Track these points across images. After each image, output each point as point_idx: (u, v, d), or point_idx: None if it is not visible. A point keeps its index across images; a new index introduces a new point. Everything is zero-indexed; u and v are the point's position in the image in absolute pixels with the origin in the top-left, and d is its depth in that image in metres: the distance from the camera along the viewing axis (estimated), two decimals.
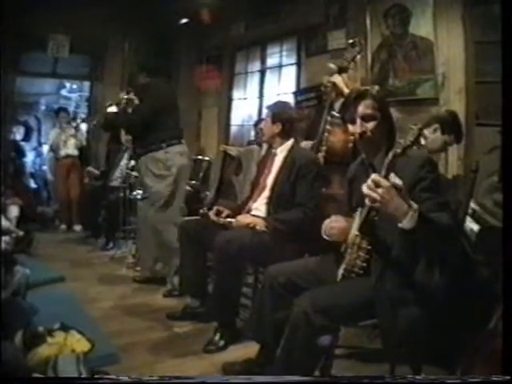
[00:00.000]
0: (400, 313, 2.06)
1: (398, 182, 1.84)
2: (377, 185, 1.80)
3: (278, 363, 2.21)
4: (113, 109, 4.32)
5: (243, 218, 3.23)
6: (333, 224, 2.39)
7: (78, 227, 6.53)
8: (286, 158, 3.31)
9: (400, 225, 1.87)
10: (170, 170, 4.07)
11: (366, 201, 1.88)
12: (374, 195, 1.81)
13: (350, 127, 2.28)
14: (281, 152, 3.36)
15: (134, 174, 5.25)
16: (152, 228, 4.19)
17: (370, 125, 2.21)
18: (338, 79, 3.55)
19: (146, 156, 4.10)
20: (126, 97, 4.24)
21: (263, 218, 3.20)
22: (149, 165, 4.10)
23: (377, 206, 1.89)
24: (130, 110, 4.17)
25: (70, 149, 6.57)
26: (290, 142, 3.37)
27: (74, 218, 6.58)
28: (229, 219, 3.36)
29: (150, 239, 4.28)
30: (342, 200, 2.81)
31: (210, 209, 3.71)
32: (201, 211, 4.50)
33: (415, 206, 1.86)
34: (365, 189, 1.84)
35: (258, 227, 3.13)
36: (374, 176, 1.82)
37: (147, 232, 4.30)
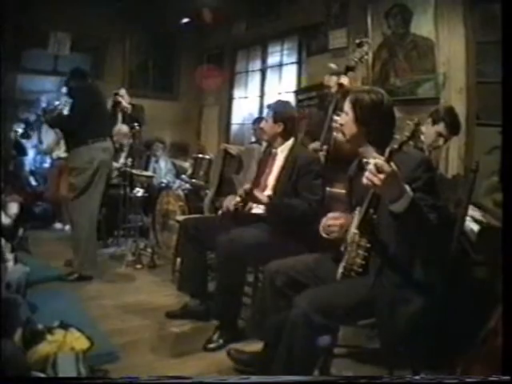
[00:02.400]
0: (398, 311, 2.06)
1: (395, 168, 1.83)
2: (379, 170, 1.78)
3: (278, 361, 2.21)
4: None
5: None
6: (330, 222, 2.40)
7: (68, 227, 6.46)
8: (287, 158, 3.32)
9: (391, 207, 1.88)
10: (91, 163, 4.26)
11: (364, 179, 1.85)
12: (375, 180, 1.79)
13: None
14: (281, 152, 3.37)
15: (134, 171, 5.25)
16: (71, 219, 4.50)
17: (345, 119, 2.33)
18: (345, 80, 3.56)
19: (73, 151, 4.34)
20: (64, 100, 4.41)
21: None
22: (73, 159, 4.35)
23: (376, 191, 1.90)
24: (65, 112, 4.34)
25: (62, 150, 6.54)
26: (291, 142, 3.38)
27: (66, 218, 6.50)
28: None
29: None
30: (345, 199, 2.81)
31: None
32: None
33: (410, 192, 1.87)
34: (367, 173, 1.82)
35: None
36: (376, 161, 1.80)
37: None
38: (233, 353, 2.84)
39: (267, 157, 3.51)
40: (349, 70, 3.61)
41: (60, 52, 7.04)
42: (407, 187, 1.87)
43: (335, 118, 3.44)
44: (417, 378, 2.15)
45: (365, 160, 2.29)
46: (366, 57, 3.80)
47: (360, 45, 3.68)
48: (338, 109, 3.51)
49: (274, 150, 3.43)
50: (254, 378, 2.05)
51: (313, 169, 3.22)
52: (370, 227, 2.14)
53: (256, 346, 2.77)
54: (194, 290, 3.53)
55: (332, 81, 4.05)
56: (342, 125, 2.36)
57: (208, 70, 7.95)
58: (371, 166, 1.80)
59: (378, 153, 2.07)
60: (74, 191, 4.30)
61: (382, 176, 1.78)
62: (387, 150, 1.83)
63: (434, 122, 3.38)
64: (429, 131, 3.37)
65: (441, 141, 3.46)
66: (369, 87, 2.62)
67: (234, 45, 7.67)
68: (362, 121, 2.26)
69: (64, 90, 4.51)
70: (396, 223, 1.94)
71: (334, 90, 3.99)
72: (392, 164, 1.80)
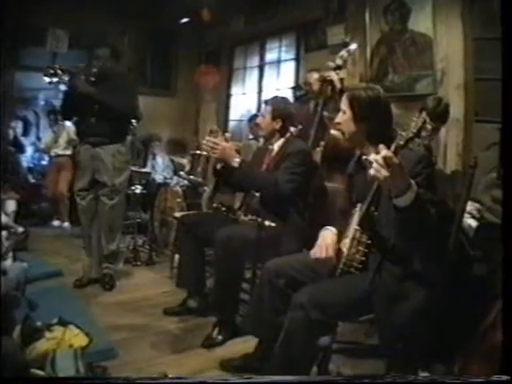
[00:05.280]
0: (397, 307, 2.06)
1: (401, 160, 1.81)
2: (387, 162, 1.76)
3: (275, 358, 2.22)
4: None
5: (224, 148, 3.15)
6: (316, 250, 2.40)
7: (66, 224, 6.47)
8: (280, 150, 3.33)
9: (395, 201, 1.87)
10: (127, 164, 4.12)
11: (371, 171, 1.82)
12: (383, 172, 1.77)
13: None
14: (277, 147, 3.37)
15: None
16: (107, 224, 4.07)
17: (343, 117, 2.32)
18: (334, 77, 3.55)
19: (106, 147, 3.95)
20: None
21: (240, 158, 3.17)
22: (109, 157, 3.95)
23: (382, 184, 1.88)
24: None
25: (61, 148, 6.55)
26: (286, 136, 3.37)
27: (65, 216, 6.51)
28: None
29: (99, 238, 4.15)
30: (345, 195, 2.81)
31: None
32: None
33: (415, 186, 1.85)
34: (374, 165, 1.79)
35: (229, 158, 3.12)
36: (385, 152, 1.77)
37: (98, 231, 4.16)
38: (225, 364, 2.81)
39: (263, 152, 3.50)
40: (337, 68, 3.61)
41: (58, 49, 7.02)
42: (412, 181, 1.87)
43: (327, 114, 3.44)
44: (419, 377, 2.15)
45: (364, 157, 2.29)
46: (352, 56, 3.80)
47: (346, 44, 3.68)
48: (328, 106, 3.51)
49: (270, 147, 3.41)
50: (256, 379, 2.05)
51: (298, 157, 3.20)
52: (371, 223, 2.14)
53: (250, 345, 2.78)
54: (192, 287, 3.53)
55: (312, 78, 4.06)
56: (339, 123, 2.35)
57: (206, 66, 7.94)
58: (379, 158, 1.77)
59: (376, 150, 2.06)
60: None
61: (390, 168, 1.77)
62: (393, 146, 1.83)
63: (420, 113, 3.39)
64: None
65: (426, 130, 3.46)
66: (365, 84, 2.62)
67: (231, 41, 7.66)
68: (360, 118, 2.25)
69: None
70: (399, 218, 1.93)
71: (315, 87, 3.99)
72: (399, 157, 1.79)
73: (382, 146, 1.80)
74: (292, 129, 3.54)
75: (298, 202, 3.18)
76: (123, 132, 4.08)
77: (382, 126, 2.22)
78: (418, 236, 2.01)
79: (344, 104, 2.31)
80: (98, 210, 4.08)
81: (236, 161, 3.09)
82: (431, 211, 1.92)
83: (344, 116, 2.31)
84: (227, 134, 3.33)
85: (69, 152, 6.48)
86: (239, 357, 2.81)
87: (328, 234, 2.41)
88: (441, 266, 2.28)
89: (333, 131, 3.15)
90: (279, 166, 3.23)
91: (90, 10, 6.68)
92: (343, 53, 3.64)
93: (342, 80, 3.56)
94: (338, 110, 2.40)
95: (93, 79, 3.89)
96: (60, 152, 6.54)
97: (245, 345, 2.90)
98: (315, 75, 4.16)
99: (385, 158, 1.75)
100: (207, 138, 3.16)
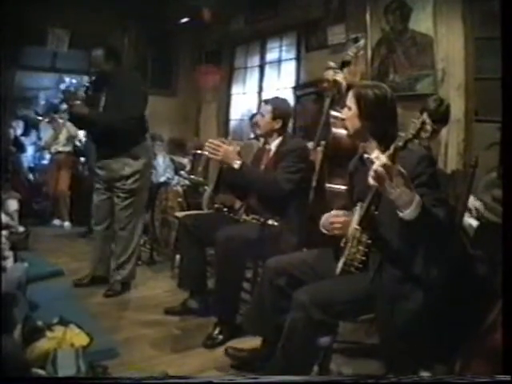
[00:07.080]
0: (397, 307, 2.06)
1: (403, 170, 1.82)
2: (386, 170, 1.76)
3: (277, 357, 2.21)
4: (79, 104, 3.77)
5: (226, 151, 3.18)
6: (332, 219, 2.38)
7: (66, 223, 6.49)
8: (277, 149, 3.37)
9: (401, 214, 1.87)
10: (139, 163, 3.88)
11: (371, 180, 1.83)
12: (385, 179, 1.77)
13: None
14: (274, 146, 3.41)
15: None
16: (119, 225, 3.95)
17: (348, 113, 2.33)
18: (340, 77, 3.55)
19: (117, 159, 3.81)
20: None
21: (241, 160, 3.19)
22: (119, 164, 3.81)
23: (382, 193, 1.88)
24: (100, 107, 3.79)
25: (60, 145, 6.56)
26: (283, 136, 3.42)
27: (65, 214, 6.53)
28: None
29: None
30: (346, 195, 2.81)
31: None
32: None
33: (418, 197, 1.85)
34: (372, 173, 1.80)
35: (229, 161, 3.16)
36: (383, 160, 1.77)
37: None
38: (231, 351, 2.83)
39: (262, 152, 3.53)
40: (345, 65, 3.61)
41: (58, 49, 7.04)
42: (416, 194, 1.85)
43: (333, 113, 3.45)
44: (425, 377, 2.16)
45: (366, 156, 2.29)
46: (361, 52, 3.80)
47: (356, 40, 3.68)
48: (335, 104, 3.52)
49: (267, 146, 3.45)
50: (263, 379, 2.04)
51: (295, 154, 3.24)
52: (371, 223, 2.14)
53: (255, 343, 2.78)
54: (193, 287, 3.53)
55: (329, 75, 4.05)
56: (344, 119, 2.35)
57: (206, 66, 7.93)
58: (377, 167, 1.78)
59: (380, 148, 2.06)
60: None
61: (388, 176, 1.77)
62: (391, 147, 1.82)
63: (420, 114, 3.39)
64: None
65: (425, 132, 3.46)
66: (372, 82, 2.62)
67: (232, 41, 7.64)
68: (365, 116, 2.25)
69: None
70: (407, 230, 1.93)
71: (329, 84, 3.99)
72: (400, 168, 1.80)
73: (382, 154, 1.81)
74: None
75: (298, 200, 3.19)
76: (135, 135, 3.83)
77: (386, 124, 2.23)
78: (422, 238, 2.01)
79: (350, 100, 2.32)
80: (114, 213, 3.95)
81: (237, 163, 3.14)
82: (440, 214, 1.92)
83: (349, 112, 2.31)
84: (229, 138, 3.35)
85: (68, 149, 6.51)
86: (248, 349, 2.82)
87: (337, 212, 2.42)
88: (441, 265, 2.28)
89: (334, 129, 3.17)
90: (277, 165, 3.26)
91: (90, 10, 6.68)
92: (353, 49, 3.65)
93: (345, 78, 3.57)
94: (343, 106, 2.40)
95: (91, 93, 3.83)
96: (60, 149, 6.55)
97: (245, 345, 2.89)
98: (331, 72, 4.16)
99: (385, 167, 1.76)
100: (210, 140, 3.22)
